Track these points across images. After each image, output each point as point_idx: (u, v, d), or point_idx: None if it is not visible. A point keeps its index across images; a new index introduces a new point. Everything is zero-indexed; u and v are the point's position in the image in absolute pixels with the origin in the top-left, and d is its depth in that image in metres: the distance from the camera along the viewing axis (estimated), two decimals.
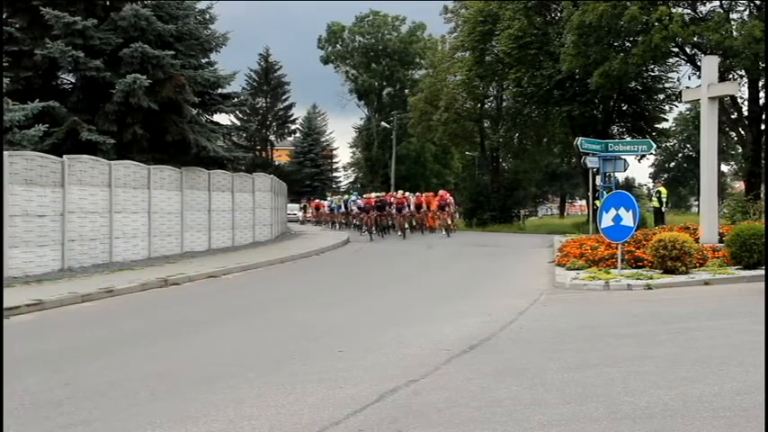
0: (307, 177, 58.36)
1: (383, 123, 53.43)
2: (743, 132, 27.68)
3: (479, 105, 40.89)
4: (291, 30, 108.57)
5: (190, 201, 19.29)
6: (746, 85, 26.66)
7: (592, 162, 21.41)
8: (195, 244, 19.50)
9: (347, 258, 19.38)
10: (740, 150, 34.94)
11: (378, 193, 30.43)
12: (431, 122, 39.94)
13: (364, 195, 29.23)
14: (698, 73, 24.60)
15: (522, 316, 8.61)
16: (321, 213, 41.49)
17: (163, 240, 18.03)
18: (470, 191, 41.94)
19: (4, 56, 17.60)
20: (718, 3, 25.84)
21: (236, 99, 24.02)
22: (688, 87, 20.69)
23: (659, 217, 22.72)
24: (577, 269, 12.98)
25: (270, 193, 24.82)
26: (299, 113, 61.43)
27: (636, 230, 12.29)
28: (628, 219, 11.71)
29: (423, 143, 52.38)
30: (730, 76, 25.86)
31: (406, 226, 26.32)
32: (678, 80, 32.85)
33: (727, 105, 26.14)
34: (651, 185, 66.11)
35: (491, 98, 41.47)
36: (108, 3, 19.45)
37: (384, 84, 57.94)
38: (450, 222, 27.68)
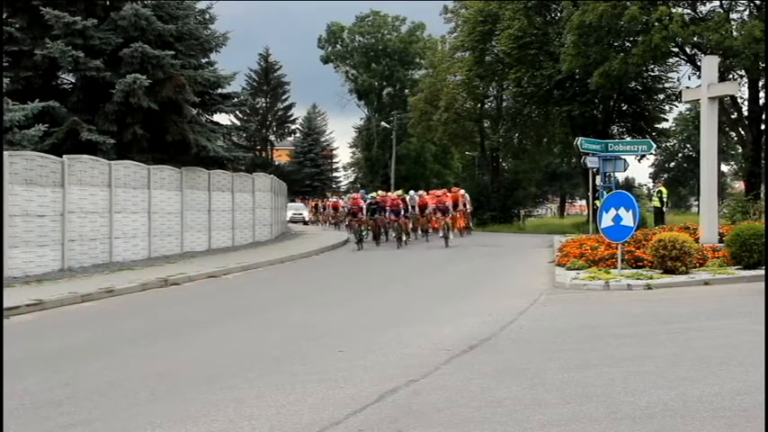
0: (307, 177, 58.37)
1: (383, 123, 53.44)
2: (743, 132, 27.68)
3: (479, 105, 40.90)
4: (291, 30, 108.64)
5: (190, 201, 19.29)
6: (746, 85, 26.67)
7: (592, 162, 21.41)
8: (195, 244, 19.50)
9: (348, 258, 19.38)
10: (740, 150, 34.93)
11: (376, 193, 26.32)
12: (431, 122, 39.95)
13: (350, 195, 25.51)
14: (698, 73, 24.61)
15: (522, 316, 8.61)
16: (340, 214, 33.86)
17: (163, 240, 18.03)
18: (470, 191, 41.90)
19: (4, 56, 17.60)
20: (718, 3, 25.87)
21: (236, 99, 24.02)
22: (688, 87, 20.73)
23: (660, 217, 22.72)
24: (577, 269, 12.98)
25: (270, 193, 24.82)
26: (299, 113, 61.45)
27: (636, 230, 12.29)
28: (628, 219, 11.70)
29: (423, 143, 52.36)
30: (730, 76, 25.85)
31: (403, 236, 22.05)
32: (678, 80, 32.91)
33: (727, 105, 26.13)
34: (651, 185, 66.15)
35: (491, 98, 41.48)
36: (108, 2, 19.45)
37: (384, 84, 57.94)
38: (463, 224, 25.73)
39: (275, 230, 25.93)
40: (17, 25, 18.60)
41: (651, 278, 11.24)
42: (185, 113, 19.69)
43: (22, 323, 8.97)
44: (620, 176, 28.92)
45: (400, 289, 12.36)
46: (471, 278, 13.72)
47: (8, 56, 18.17)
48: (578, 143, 20.67)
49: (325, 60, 57.51)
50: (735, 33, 23.77)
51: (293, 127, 60.61)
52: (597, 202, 17.35)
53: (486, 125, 41.73)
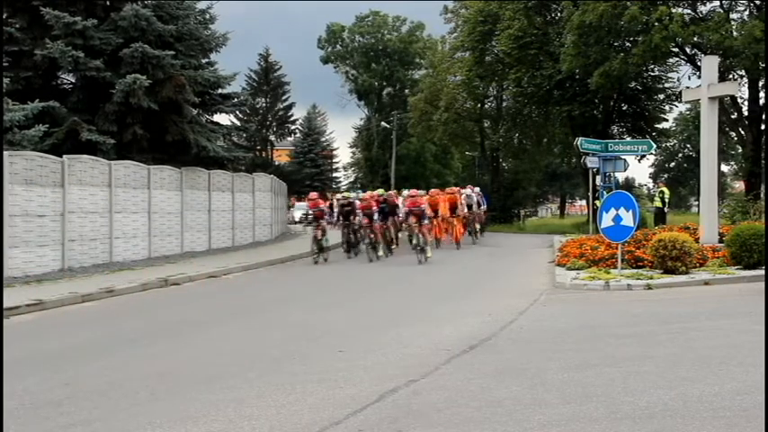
0: (307, 177, 58.30)
1: (383, 123, 53.45)
2: (743, 132, 27.69)
3: (479, 105, 40.91)
4: (291, 30, 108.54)
5: (190, 201, 19.29)
6: (746, 86, 26.69)
7: (592, 162, 21.42)
8: (195, 244, 19.50)
9: (348, 258, 19.35)
10: (740, 150, 34.95)
11: (355, 193, 22.59)
12: (431, 122, 39.96)
13: (310, 196, 19.77)
14: (698, 73, 24.62)
15: (523, 316, 8.61)
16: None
17: (163, 240, 18.03)
18: None
19: (4, 56, 17.60)
20: (718, 3, 25.88)
21: (236, 99, 24.02)
22: (688, 87, 20.74)
23: (661, 217, 22.71)
24: (577, 269, 12.98)
25: (270, 193, 24.82)
26: (299, 113, 61.40)
27: (636, 230, 12.29)
28: (628, 219, 11.71)
29: (423, 143, 52.37)
30: (730, 76, 25.85)
31: (378, 246, 17.70)
32: (678, 80, 32.94)
33: (727, 105, 26.14)
34: (651, 185, 66.15)
35: (491, 98, 41.50)
36: (108, 3, 19.45)
37: (384, 84, 57.94)
38: (463, 231, 21.59)
39: (275, 230, 25.92)
40: (17, 25, 18.60)
41: (651, 278, 11.23)
42: (185, 113, 19.69)
43: (22, 323, 8.97)
44: (621, 176, 28.98)
45: (400, 289, 12.33)
46: (471, 278, 13.72)
47: (8, 56, 18.17)
48: (578, 143, 20.68)
49: (325, 60, 57.53)
50: (735, 33, 23.78)
51: (293, 127, 60.56)
52: (597, 202, 17.35)
53: (486, 125, 41.75)
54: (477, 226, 22.93)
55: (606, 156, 21.03)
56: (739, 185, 40.17)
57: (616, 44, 27.43)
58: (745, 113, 27.52)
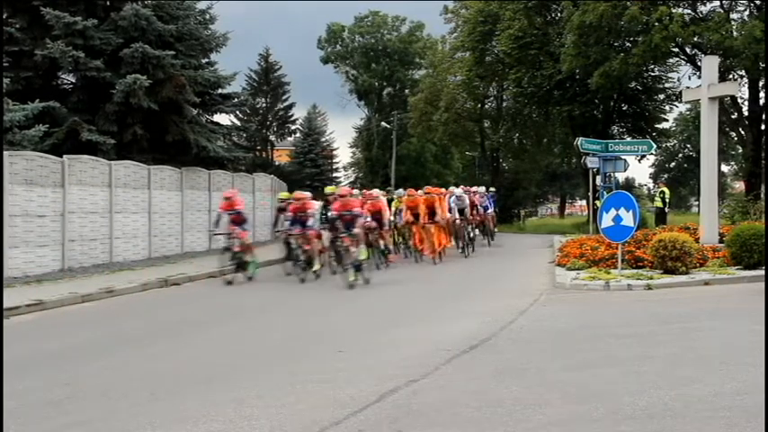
0: (307, 177, 58.18)
1: (383, 123, 53.46)
2: (743, 132, 27.67)
3: (479, 105, 40.90)
4: (291, 30, 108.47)
5: (190, 201, 19.28)
6: (746, 86, 26.66)
7: (592, 162, 21.42)
8: (195, 244, 19.49)
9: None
10: (740, 150, 34.94)
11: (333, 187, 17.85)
12: (431, 122, 39.93)
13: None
14: (698, 73, 24.62)
15: (523, 316, 8.61)
16: None
17: (163, 240, 18.02)
18: None
19: (5, 56, 17.59)
20: (718, 3, 25.87)
21: (236, 99, 24.02)
22: (688, 87, 20.77)
23: (662, 217, 22.70)
24: (578, 269, 12.97)
25: (270, 193, 24.79)
26: (299, 113, 61.27)
27: (636, 230, 12.29)
28: (628, 219, 11.71)
29: (423, 143, 52.36)
30: (730, 77, 25.83)
31: (316, 263, 13.70)
32: (678, 80, 32.91)
33: (727, 105, 26.13)
34: (651, 186, 66.11)
35: (491, 98, 41.48)
36: (108, 3, 19.44)
37: (384, 84, 57.94)
38: (446, 242, 17.35)
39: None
40: (17, 25, 18.59)
41: (651, 278, 11.23)
42: (185, 114, 19.69)
43: (23, 323, 8.97)
44: (621, 177, 28.97)
45: (399, 289, 12.31)
46: (471, 278, 13.71)
47: (8, 56, 18.16)
48: (578, 143, 20.68)
49: (326, 60, 57.53)
50: (735, 33, 23.78)
51: (293, 127, 60.48)
52: (597, 203, 17.35)
53: (486, 125, 41.73)
54: (493, 228, 21.32)
55: (606, 156, 21.03)
56: (739, 185, 40.17)
57: (616, 44, 27.43)
58: (746, 113, 27.51)
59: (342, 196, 13.38)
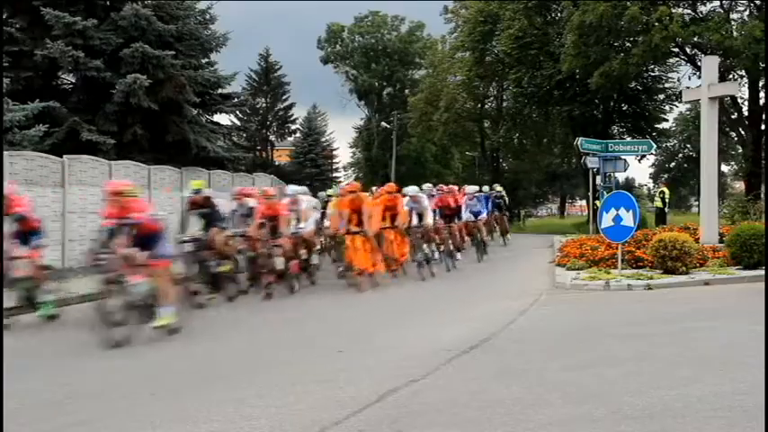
0: (307, 178, 58.20)
1: (383, 123, 53.45)
2: (743, 132, 27.68)
3: (479, 105, 40.90)
4: (291, 30, 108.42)
5: None
6: (746, 86, 26.67)
7: (592, 162, 21.43)
8: None
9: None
10: (740, 150, 34.93)
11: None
12: (431, 122, 39.93)
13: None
14: (698, 73, 24.61)
15: (523, 316, 8.60)
16: None
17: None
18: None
19: (5, 56, 17.60)
20: (718, 3, 25.88)
21: (236, 99, 24.05)
22: (688, 87, 20.78)
23: (662, 217, 22.70)
24: (578, 269, 12.97)
25: None
26: (299, 113, 61.26)
27: (636, 230, 12.29)
28: (628, 219, 11.70)
29: (423, 143, 52.34)
30: (730, 77, 25.85)
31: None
32: (678, 80, 32.91)
33: (727, 105, 26.12)
34: (651, 186, 66.08)
35: (491, 98, 41.48)
36: (108, 3, 19.46)
37: (384, 84, 57.92)
38: (404, 254, 13.39)
39: None
40: (18, 25, 18.60)
41: (651, 278, 11.23)
42: (185, 114, 19.71)
43: (23, 323, 8.96)
44: (621, 177, 28.97)
45: (399, 289, 12.29)
46: (471, 278, 13.69)
47: (8, 56, 18.17)
48: (578, 143, 20.69)
49: (326, 60, 57.52)
50: (735, 33, 23.79)
51: (293, 127, 60.50)
52: (597, 203, 17.34)
53: (486, 125, 41.73)
54: (487, 236, 18.13)
55: (606, 156, 21.05)
56: (739, 185, 40.15)
57: (616, 44, 27.43)
58: (745, 113, 27.52)
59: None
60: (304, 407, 4.83)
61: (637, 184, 67.73)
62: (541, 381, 5.29)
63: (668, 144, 55.99)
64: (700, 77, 16.90)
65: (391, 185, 14.07)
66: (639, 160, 32.49)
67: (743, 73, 26.09)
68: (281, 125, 59.66)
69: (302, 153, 59.73)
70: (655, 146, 27.01)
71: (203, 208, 10.61)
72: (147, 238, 7.89)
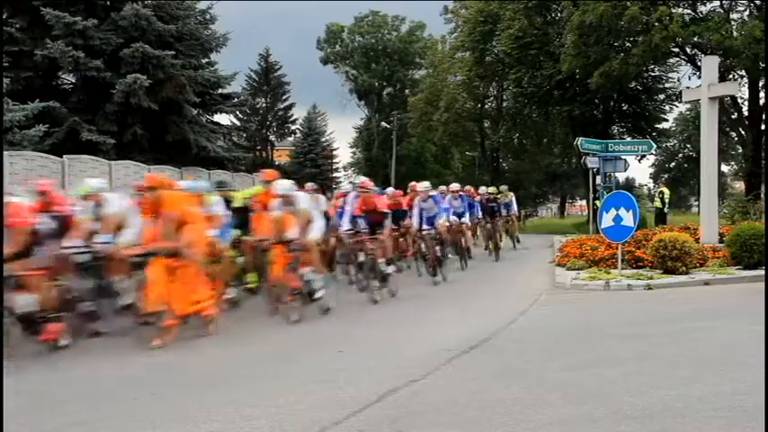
0: (307, 177, 58.20)
1: (383, 123, 53.47)
2: (743, 132, 27.69)
3: (479, 105, 40.91)
4: (291, 30, 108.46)
5: None
6: (747, 86, 26.68)
7: (592, 162, 21.43)
8: None
9: None
10: (740, 150, 34.94)
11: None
12: (431, 122, 39.94)
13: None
14: (698, 73, 24.62)
15: (523, 316, 8.60)
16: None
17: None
18: None
19: (5, 56, 17.61)
20: (718, 3, 25.88)
21: (236, 99, 24.08)
22: (688, 87, 20.78)
23: (661, 218, 22.69)
24: (578, 269, 12.96)
25: None
26: (299, 113, 61.29)
27: (636, 230, 12.29)
28: (628, 219, 11.70)
29: (423, 143, 52.36)
30: (730, 77, 25.85)
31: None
32: (678, 80, 32.94)
33: (727, 105, 26.13)
34: (651, 186, 66.08)
35: (491, 98, 41.49)
36: (108, 3, 19.47)
37: (384, 84, 57.93)
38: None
39: None
40: (18, 25, 18.62)
41: (651, 278, 11.22)
42: (185, 114, 19.73)
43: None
44: (621, 177, 28.98)
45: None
46: (471, 278, 13.69)
47: (8, 56, 18.18)
48: (578, 143, 20.70)
49: (325, 61, 57.53)
50: (735, 33, 23.79)
51: (293, 127, 60.53)
52: (597, 203, 17.34)
53: (486, 125, 41.75)
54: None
55: (606, 156, 21.05)
56: (739, 185, 40.17)
57: (616, 44, 27.44)
58: (746, 113, 27.53)
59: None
60: (304, 407, 4.83)
61: (637, 184, 67.75)
62: (541, 381, 5.29)
63: (668, 144, 56.02)
64: (700, 77, 16.91)
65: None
66: (639, 160, 32.52)
67: (743, 73, 26.10)
68: (281, 125, 59.66)
69: (302, 153, 59.72)
70: (655, 146, 27.02)
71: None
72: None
